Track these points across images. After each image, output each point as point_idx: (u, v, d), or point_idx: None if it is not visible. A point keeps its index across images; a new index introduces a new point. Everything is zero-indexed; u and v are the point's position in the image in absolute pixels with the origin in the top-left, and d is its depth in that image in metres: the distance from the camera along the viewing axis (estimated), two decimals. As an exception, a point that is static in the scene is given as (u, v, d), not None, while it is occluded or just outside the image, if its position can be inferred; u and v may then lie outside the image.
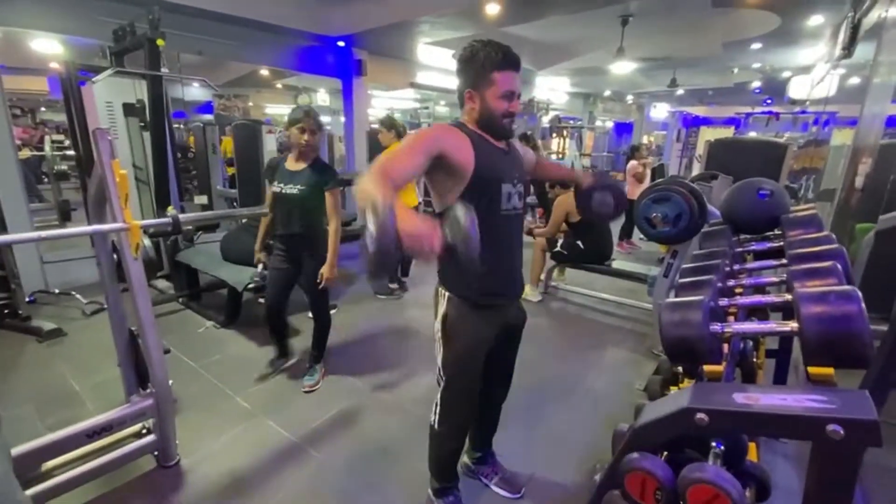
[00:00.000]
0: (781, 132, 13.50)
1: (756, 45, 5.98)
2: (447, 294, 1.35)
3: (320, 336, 2.51)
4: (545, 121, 8.55)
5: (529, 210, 6.38)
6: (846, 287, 0.86)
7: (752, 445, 1.03)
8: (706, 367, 1.00)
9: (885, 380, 1.83)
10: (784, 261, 1.39)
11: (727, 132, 15.87)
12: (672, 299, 1.06)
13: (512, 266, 1.39)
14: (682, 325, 0.96)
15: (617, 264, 3.83)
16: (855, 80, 8.39)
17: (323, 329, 2.51)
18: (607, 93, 11.80)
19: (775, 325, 0.95)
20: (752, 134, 14.29)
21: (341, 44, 5.39)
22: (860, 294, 0.83)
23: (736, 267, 1.56)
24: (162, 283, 3.93)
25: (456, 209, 0.91)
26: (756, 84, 9.93)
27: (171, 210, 1.75)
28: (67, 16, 3.94)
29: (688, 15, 4.62)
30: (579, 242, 3.75)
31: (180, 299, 3.66)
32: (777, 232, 1.73)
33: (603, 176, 1.56)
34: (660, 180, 2.80)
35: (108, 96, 3.59)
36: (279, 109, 14.80)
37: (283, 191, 2.13)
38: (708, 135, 16.81)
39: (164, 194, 3.58)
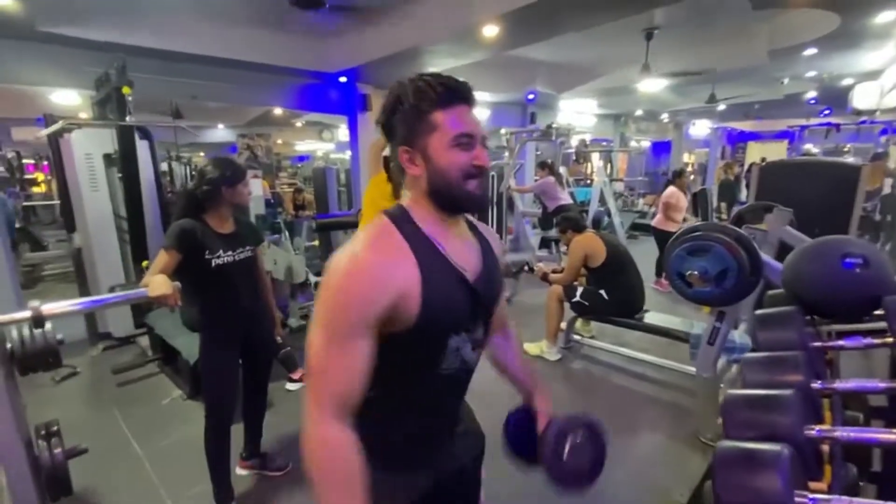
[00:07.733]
0: (843, 143, 12.13)
1: (810, 51, 5.16)
2: None
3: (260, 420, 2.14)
4: (572, 144, 7.98)
5: (553, 245, 5.76)
6: None
7: None
8: None
9: None
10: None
11: (780, 147, 14.52)
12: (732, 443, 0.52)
13: (442, 432, 0.88)
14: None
15: (651, 317, 3.15)
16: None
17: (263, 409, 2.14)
18: (639, 112, 11.08)
19: None
20: (809, 146, 12.93)
21: (343, 79, 5.17)
22: None
23: (819, 385, 0.98)
24: (145, 341, 3.68)
25: None
26: (811, 94, 8.91)
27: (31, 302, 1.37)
28: (57, 70, 3.91)
29: (722, 23, 4.00)
30: (602, 292, 3.13)
31: (157, 361, 3.36)
32: (879, 322, 1.13)
33: (572, 418, 0.93)
34: (694, 224, 2.20)
35: (89, 147, 3.44)
36: (309, 146, 15.17)
37: (230, 260, 1.74)
38: (756, 151, 15.46)
39: (140, 249, 3.33)
